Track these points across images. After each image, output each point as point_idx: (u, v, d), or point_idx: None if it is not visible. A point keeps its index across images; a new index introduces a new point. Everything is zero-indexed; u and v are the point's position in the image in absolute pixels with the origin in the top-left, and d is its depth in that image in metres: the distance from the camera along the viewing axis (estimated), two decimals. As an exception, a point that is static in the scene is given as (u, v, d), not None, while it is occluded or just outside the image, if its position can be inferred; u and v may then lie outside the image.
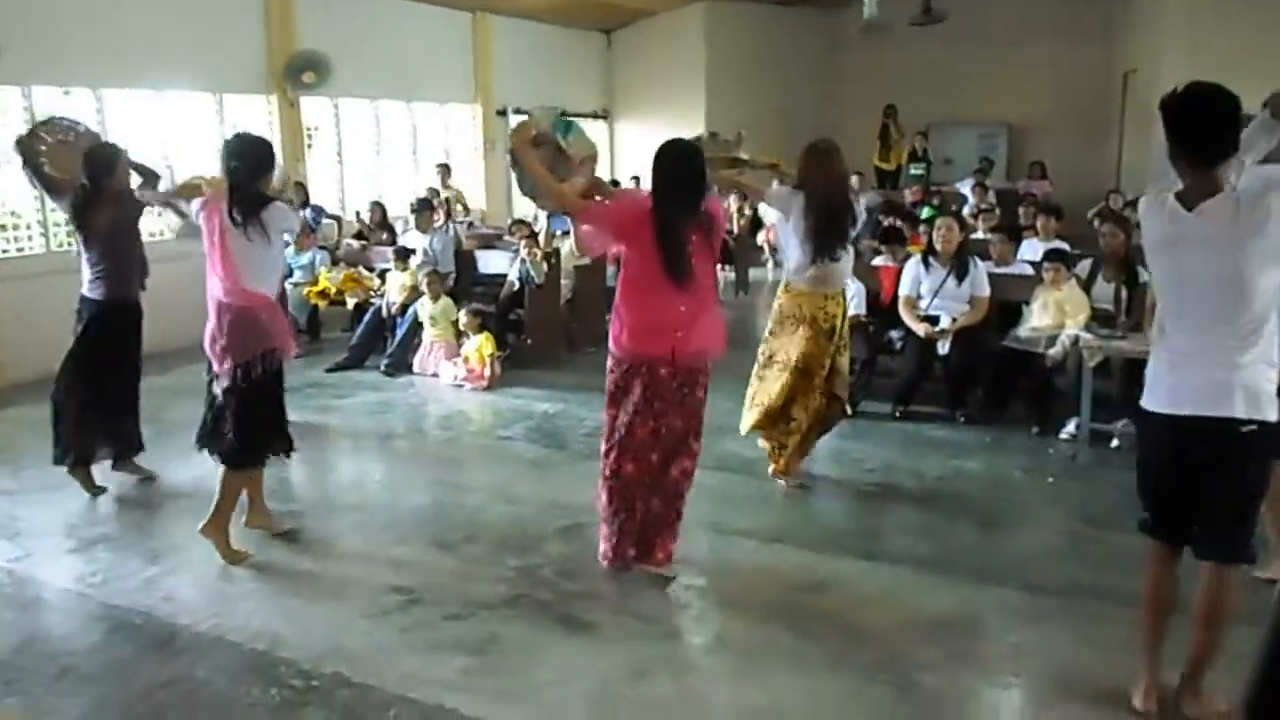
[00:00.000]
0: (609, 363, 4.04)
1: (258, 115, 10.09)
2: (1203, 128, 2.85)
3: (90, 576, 4.30)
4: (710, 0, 14.85)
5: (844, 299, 5.07)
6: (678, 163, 3.91)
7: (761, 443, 5.25)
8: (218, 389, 4.31)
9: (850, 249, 5.00)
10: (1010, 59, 15.02)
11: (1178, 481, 2.98)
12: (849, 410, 5.37)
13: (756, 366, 5.17)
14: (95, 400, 5.13)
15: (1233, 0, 11.12)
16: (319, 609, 3.96)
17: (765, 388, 5.08)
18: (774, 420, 5.10)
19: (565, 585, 4.12)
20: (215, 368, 4.30)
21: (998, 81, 15.21)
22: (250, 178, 4.22)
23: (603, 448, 4.08)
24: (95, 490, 5.22)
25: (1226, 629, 3.00)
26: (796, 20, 15.97)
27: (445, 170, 11.85)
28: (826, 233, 4.79)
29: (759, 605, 3.93)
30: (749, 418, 5.16)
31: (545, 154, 4.18)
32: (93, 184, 5.03)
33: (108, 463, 5.38)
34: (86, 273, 5.11)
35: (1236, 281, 2.78)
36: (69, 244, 8.45)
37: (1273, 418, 2.83)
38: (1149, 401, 3.00)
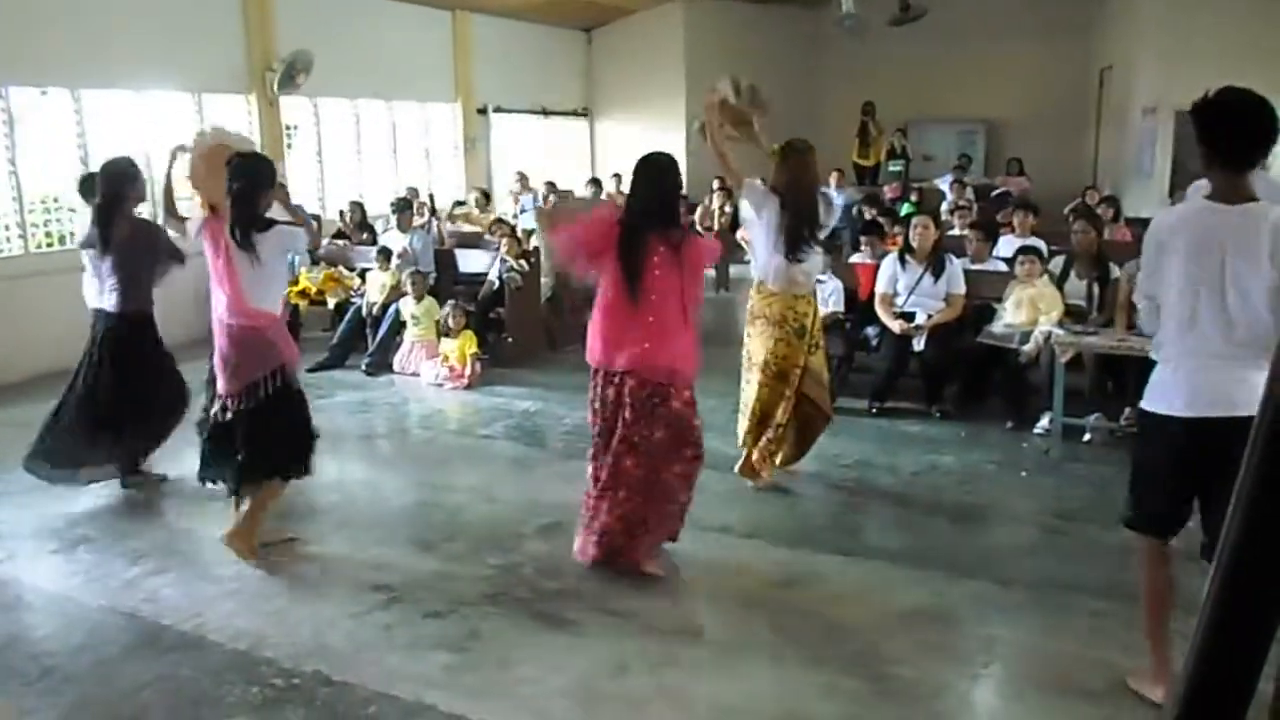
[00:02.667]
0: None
1: (237, 115, 10.07)
2: (1239, 133, 2.86)
3: (73, 578, 4.32)
4: (689, -2, 14.91)
5: (814, 299, 5.08)
6: (651, 176, 3.97)
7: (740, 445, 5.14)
8: (226, 413, 4.26)
9: (818, 250, 4.99)
10: (988, 56, 15.14)
11: (1185, 481, 2.99)
12: (829, 415, 5.22)
13: (742, 369, 5.14)
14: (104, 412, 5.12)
15: (1207, -2, 11.25)
16: (301, 608, 3.99)
17: (747, 393, 5.05)
18: (762, 426, 5.03)
19: (545, 583, 4.16)
20: (226, 388, 4.26)
21: (976, 79, 15.32)
22: (249, 196, 4.20)
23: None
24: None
25: None
26: (776, 18, 16.03)
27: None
28: (797, 233, 4.82)
29: (736, 600, 3.99)
30: (741, 425, 5.11)
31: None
32: (114, 197, 5.03)
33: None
34: (102, 285, 5.11)
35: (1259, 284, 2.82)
36: (46, 245, 8.45)
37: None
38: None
